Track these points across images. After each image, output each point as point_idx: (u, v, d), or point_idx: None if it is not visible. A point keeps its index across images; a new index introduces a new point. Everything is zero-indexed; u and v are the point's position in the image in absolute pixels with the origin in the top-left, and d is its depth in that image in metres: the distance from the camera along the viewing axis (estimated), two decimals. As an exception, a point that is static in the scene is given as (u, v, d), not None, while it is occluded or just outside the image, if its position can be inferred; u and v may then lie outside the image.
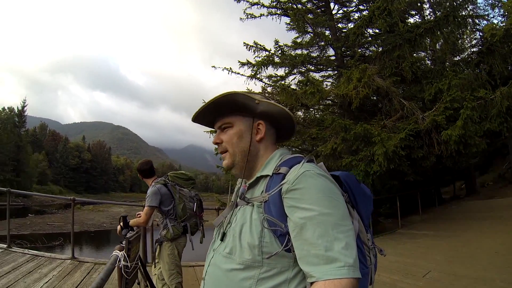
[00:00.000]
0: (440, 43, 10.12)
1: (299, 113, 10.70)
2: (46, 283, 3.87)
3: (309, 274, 0.80)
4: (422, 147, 7.47)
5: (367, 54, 9.84)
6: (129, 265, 2.37)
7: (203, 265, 1.07)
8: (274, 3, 10.50)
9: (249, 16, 10.90)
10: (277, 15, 10.66)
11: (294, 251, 0.86)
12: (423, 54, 11.24)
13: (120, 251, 2.38)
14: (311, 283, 0.80)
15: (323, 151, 7.97)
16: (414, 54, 8.67)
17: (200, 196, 3.48)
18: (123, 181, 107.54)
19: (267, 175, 0.98)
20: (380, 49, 9.37)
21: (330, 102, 10.16)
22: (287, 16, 10.48)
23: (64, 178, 75.36)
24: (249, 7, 10.72)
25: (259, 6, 10.69)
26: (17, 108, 54.08)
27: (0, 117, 51.00)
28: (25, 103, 54.94)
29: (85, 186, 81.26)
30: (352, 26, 9.79)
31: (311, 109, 10.34)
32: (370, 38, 9.89)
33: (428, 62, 11.40)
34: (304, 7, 10.36)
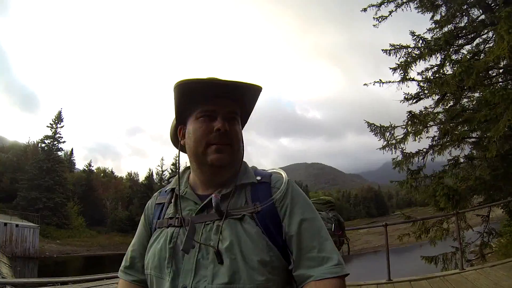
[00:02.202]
0: None
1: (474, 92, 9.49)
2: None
3: (305, 275, 0.86)
4: None
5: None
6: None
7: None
8: (397, -8, 10.12)
9: (380, 19, 10.75)
10: (405, 4, 10.26)
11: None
12: None
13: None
14: (304, 283, 0.86)
15: (495, 134, 6.89)
16: None
17: (339, 217, 4.11)
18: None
19: (248, 183, 0.97)
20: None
21: (497, 72, 8.65)
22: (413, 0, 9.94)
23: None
24: (378, 10, 10.64)
25: (386, 4, 10.55)
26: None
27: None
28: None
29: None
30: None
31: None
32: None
33: None
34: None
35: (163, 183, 57.14)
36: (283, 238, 0.90)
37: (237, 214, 0.89)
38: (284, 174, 1.01)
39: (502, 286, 4.55)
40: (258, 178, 0.99)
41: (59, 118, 47.68)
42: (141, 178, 68.44)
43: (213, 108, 0.93)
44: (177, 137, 1.07)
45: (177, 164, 1.07)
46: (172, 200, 1.03)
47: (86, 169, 60.39)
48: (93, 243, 43.36)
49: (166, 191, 1.08)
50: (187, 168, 1.11)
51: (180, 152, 1.05)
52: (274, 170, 1.07)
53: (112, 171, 72.78)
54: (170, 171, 58.32)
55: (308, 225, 0.90)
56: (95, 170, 64.64)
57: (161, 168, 60.34)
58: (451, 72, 8.93)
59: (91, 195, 54.17)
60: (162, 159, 70.02)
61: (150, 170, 64.37)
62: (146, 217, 1.09)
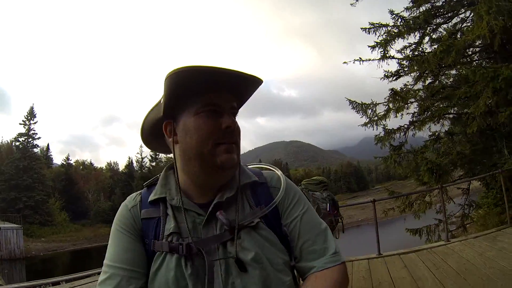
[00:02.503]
0: None
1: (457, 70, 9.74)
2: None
3: (307, 267, 0.87)
4: None
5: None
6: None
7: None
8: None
9: None
10: (381, -18, 10.26)
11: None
12: None
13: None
14: (307, 274, 0.87)
15: (476, 111, 7.17)
16: None
17: (333, 196, 3.86)
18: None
19: (248, 184, 0.92)
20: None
21: (473, 50, 8.91)
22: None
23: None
24: None
25: None
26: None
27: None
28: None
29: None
30: None
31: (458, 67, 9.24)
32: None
33: None
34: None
35: (143, 170, 57.44)
36: (286, 235, 0.89)
37: (251, 223, 0.85)
38: (278, 172, 0.99)
39: (487, 256, 4.73)
40: (256, 177, 0.94)
41: (31, 114, 45.75)
42: (121, 167, 67.74)
43: (218, 102, 0.84)
44: (154, 135, 0.95)
45: (175, 169, 0.90)
46: (169, 212, 0.87)
47: (65, 163, 59.03)
48: (79, 237, 42.86)
49: (150, 202, 0.90)
50: (168, 170, 0.96)
51: (158, 151, 1.00)
52: (263, 166, 1.04)
53: (91, 163, 71.50)
54: (149, 158, 57.74)
55: (306, 217, 0.91)
56: (73, 164, 63.22)
57: (141, 155, 59.38)
58: (431, 50, 9.13)
59: (72, 189, 53.26)
60: (141, 146, 68.52)
61: (129, 158, 63.36)
62: (134, 230, 0.88)
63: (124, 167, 63.06)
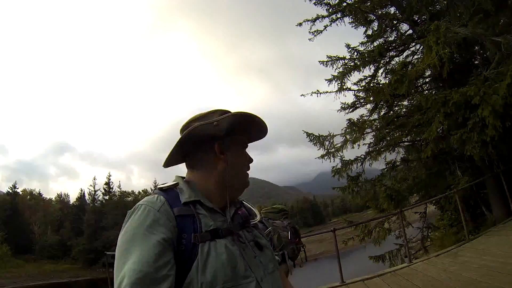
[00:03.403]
0: None
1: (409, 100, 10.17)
2: None
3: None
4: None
5: (438, 9, 8.99)
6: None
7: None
8: (331, 9, 10.37)
9: (315, 33, 10.77)
10: (339, 19, 10.63)
11: None
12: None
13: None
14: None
15: (429, 136, 7.43)
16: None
17: (294, 224, 3.71)
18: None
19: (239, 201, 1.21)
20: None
21: (424, 81, 9.49)
22: (347, 15, 10.42)
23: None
24: (313, 25, 10.66)
25: (320, 19, 10.74)
26: (150, 188, 61.97)
27: (138, 199, 61.36)
28: (155, 182, 62.76)
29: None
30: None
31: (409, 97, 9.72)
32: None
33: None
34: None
35: (96, 204, 54.64)
36: None
37: (254, 223, 1.15)
38: (246, 202, 1.25)
39: (451, 271, 4.77)
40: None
41: (-25, 136, 42.07)
42: (72, 199, 63.73)
43: (247, 143, 1.18)
44: (189, 144, 1.06)
45: (225, 175, 1.06)
46: (204, 212, 0.98)
47: (11, 191, 54.08)
48: (20, 273, 38.67)
49: (182, 203, 0.97)
50: (181, 180, 1.08)
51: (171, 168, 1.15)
52: None
53: (39, 193, 66.34)
54: (103, 191, 54.55)
55: None
56: (20, 193, 58.34)
57: (94, 188, 55.69)
58: (386, 81, 9.52)
59: (17, 220, 49.04)
60: (94, 178, 64.61)
61: (82, 190, 59.99)
62: (166, 230, 0.88)
63: (75, 200, 59.48)
